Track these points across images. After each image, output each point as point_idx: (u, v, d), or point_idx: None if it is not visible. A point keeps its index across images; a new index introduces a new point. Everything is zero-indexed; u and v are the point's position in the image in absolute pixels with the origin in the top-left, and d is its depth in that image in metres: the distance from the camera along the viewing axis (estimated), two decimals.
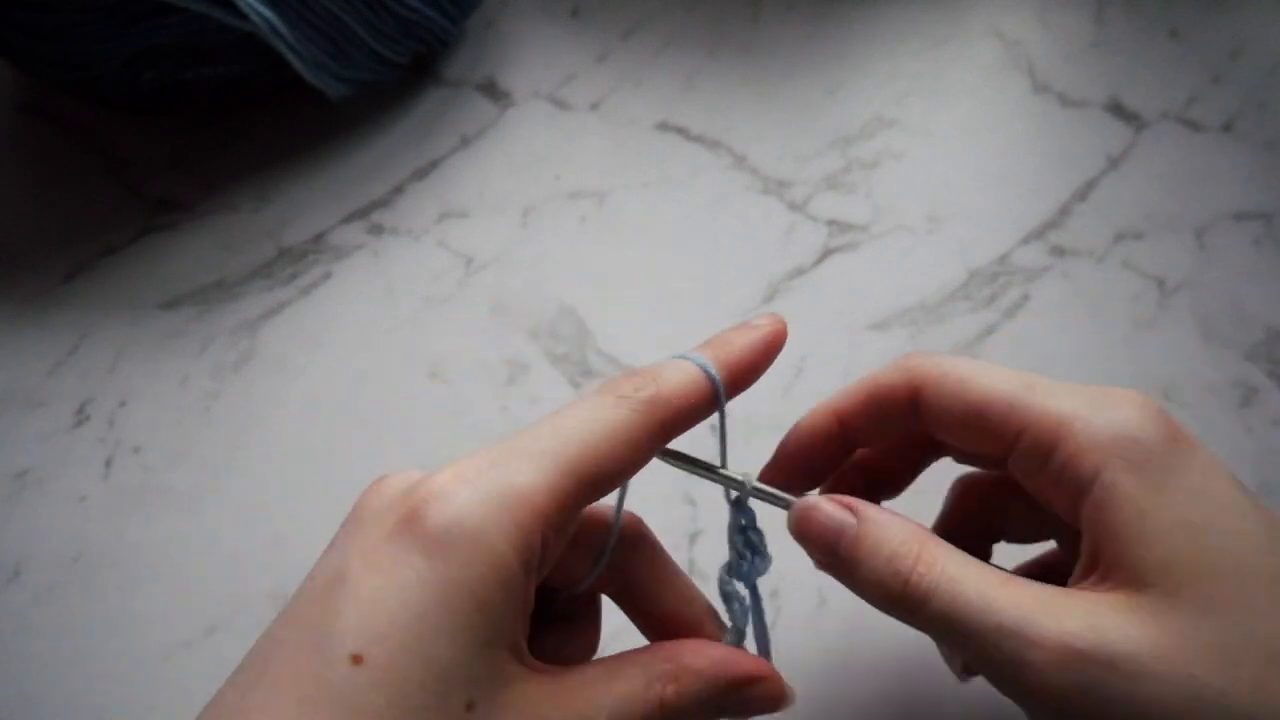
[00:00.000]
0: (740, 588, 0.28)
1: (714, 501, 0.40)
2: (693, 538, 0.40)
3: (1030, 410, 0.26)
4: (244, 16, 0.44)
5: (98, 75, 0.47)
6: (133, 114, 0.53)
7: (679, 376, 0.25)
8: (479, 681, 0.22)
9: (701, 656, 0.25)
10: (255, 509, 0.42)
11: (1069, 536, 0.28)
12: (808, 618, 0.38)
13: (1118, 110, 0.52)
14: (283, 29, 0.45)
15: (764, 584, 0.39)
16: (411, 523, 0.22)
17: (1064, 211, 0.48)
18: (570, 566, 0.27)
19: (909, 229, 0.48)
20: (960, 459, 0.31)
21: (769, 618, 0.38)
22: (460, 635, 0.21)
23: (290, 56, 0.46)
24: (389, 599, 0.21)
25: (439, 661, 0.21)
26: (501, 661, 0.22)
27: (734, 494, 0.28)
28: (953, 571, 0.24)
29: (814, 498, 0.27)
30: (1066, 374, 0.43)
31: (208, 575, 0.40)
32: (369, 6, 0.47)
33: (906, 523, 0.26)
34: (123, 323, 0.47)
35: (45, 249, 0.50)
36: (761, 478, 0.29)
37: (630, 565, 0.28)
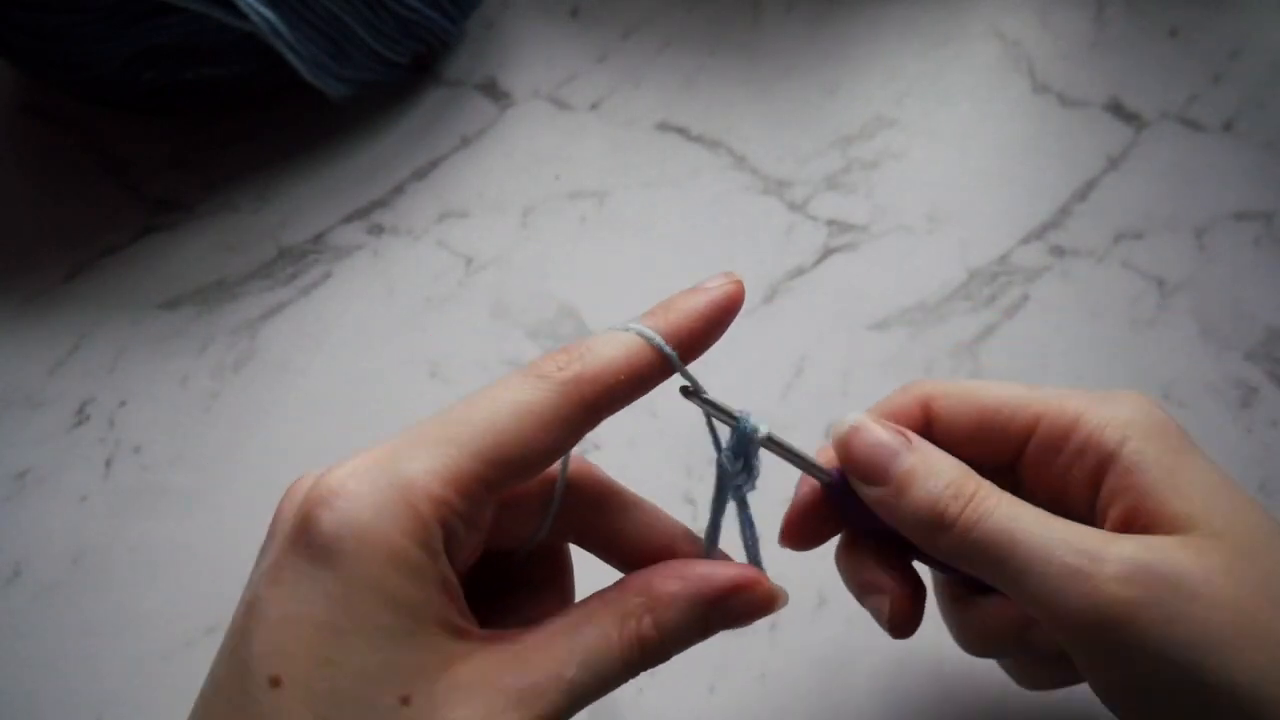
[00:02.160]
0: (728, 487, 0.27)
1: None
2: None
3: (1044, 402, 0.27)
4: (244, 16, 0.44)
5: (98, 75, 0.47)
6: (133, 114, 0.53)
7: (610, 351, 0.24)
8: (409, 673, 0.21)
9: (673, 579, 0.24)
10: (255, 509, 0.41)
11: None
12: (808, 618, 0.38)
13: (1118, 110, 0.52)
14: (283, 29, 0.45)
15: None
16: (304, 531, 0.22)
17: (1064, 211, 0.48)
18: (518, 527, 0.27)
19: (909, 229, 0.48)
20: None
21: (768, 617, 0.38)
22: (373, 635, 0.21)
23: (290, 56, 0.46)
24: (294, 616, 0.21)
25: (358, 666, 0.21)
26: (434, 646, 0.22)
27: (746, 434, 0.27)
28: (1009, 500, 0.25)
29: (864, 417, 0.27)
30: (1066, 374, 0.43)
31: (208, 575, 0.40)
32: (369, 6, 0.47)
33: (955, 459, 0.26)
34: (123, 323, 0.47)
35: (45, 249, 0.50)
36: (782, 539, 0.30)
37: (583, 510, 0.27)
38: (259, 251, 0.49)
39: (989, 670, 0.35)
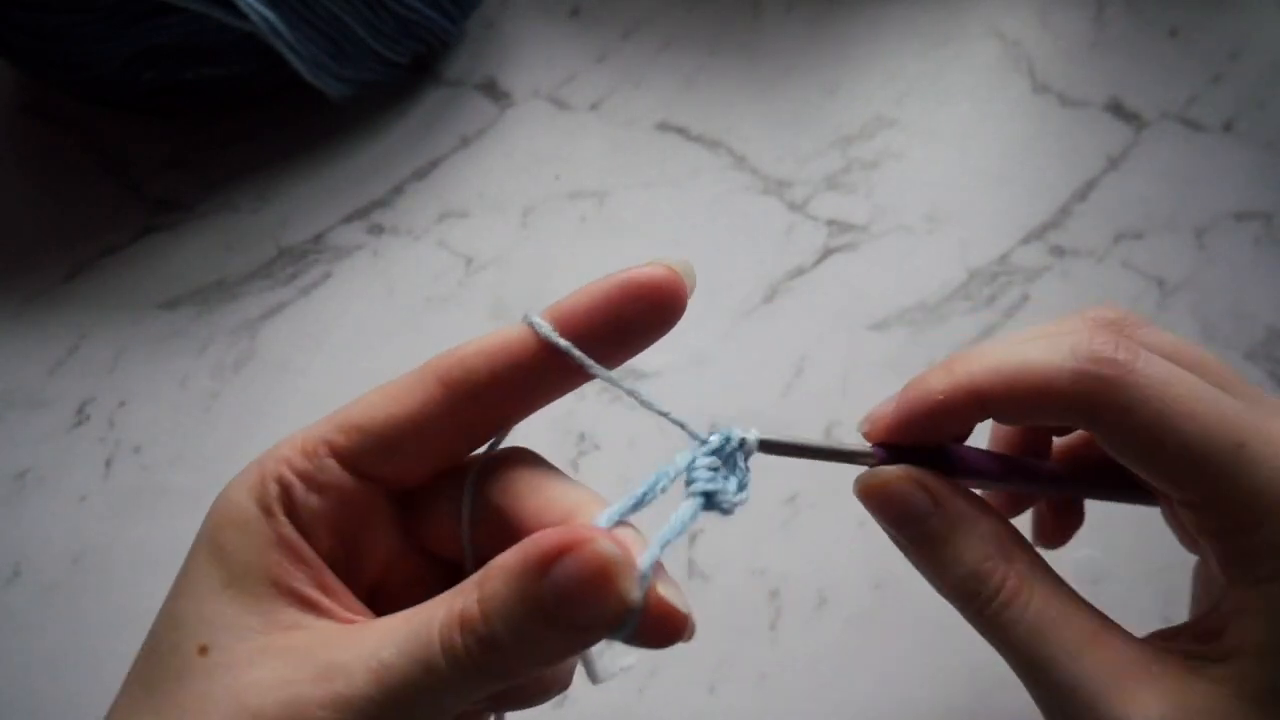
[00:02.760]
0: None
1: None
2: (693, 537, 0.40)
3: (1231, 487, 0.22)
4: (244, 16, 0.44)
5: (98, 75, 0.47)
6: (133, 114, 0.53)
7: (485, 337, 0.24)
8: (214, 626, 0.22)
9: (515, 548, 0.19)
10: None
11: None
12: (808, 618, 0.38)
13: (1118, 110, 0.51)
14: (283, 29, 0.45)
15: (764, 584, 0.39)
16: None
17: (1064, 211, 0.48)
18: (443, 526, 0.25)
19: (909, 229, 0.48)
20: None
21: (769, 617, 0.38)
22: (194, 584, 0.23)
23: (290, 56, 0.46)
24: (185, 579, 0.23)
25: (171, 611, 0.23)
26: (255, 606, 0.22)
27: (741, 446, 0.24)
28: (1040, 609, 0.23)
29: (889, 470, 0.24)
30: None
31: None
32: (369, 6, 0.47)
33: (996, 527, 0.24)
34: (123, 323, 0.47)
35: (45, 249, 0.50)
36: (870, 426, 0.25)
37: (498, 501, 0.24)
38: (259, 251, 0.49)
39: (989, 671, 0.35)
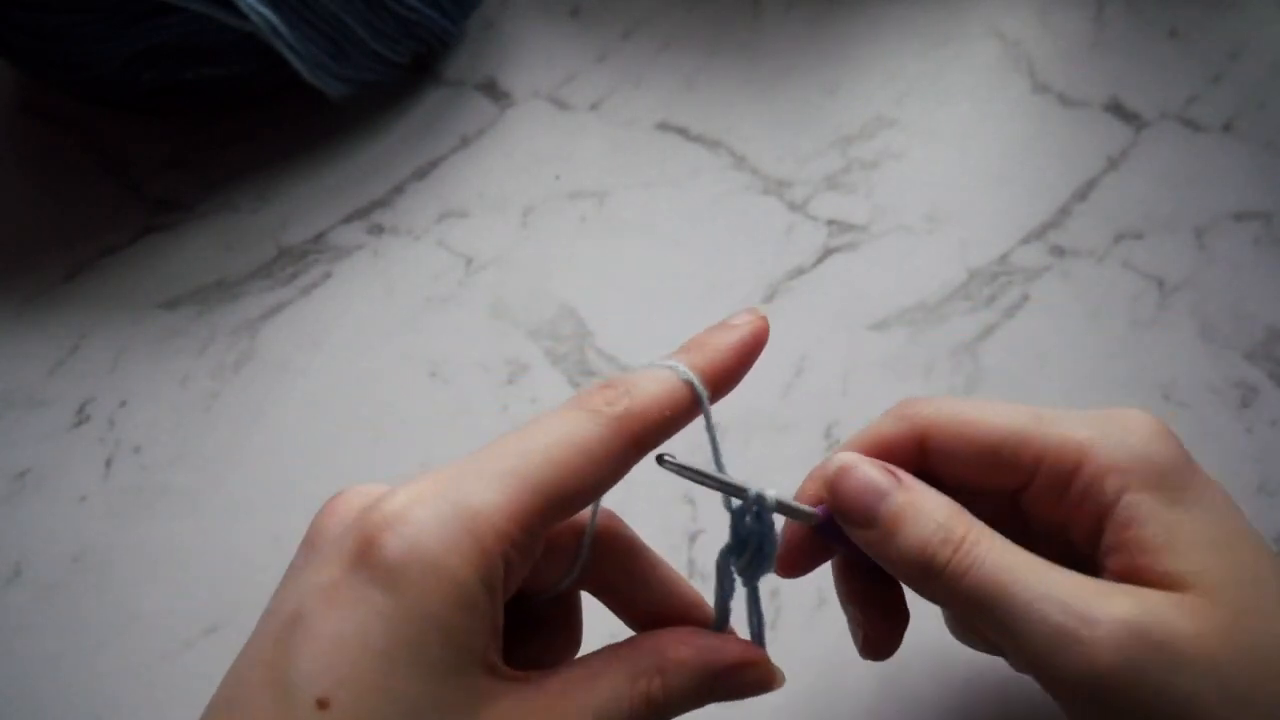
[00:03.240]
0: (734, 574, 0.27)
1: (714, 501, 0.40)
2: (693, 537, 0.40)
3: (1046, 440, 0.26)
4: (244, 16, 0.44)
5: (98, 75, 0.47)
6: (133, 114, 0.53)
7: (654, 388, 0.24)
8: (450, 709, 0.21)
9: (686, 646, 0.25)
10: (255, 509, 0.42)
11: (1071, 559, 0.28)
12: (808, 618, 0.38)
13: (1118, 110, 0.52)
14: (283, 29, 0.45)
15: (763, 584, 0.39)
16: (367, 553, 0.21)
17: (1064, 211, 0.48)
18: (545, 572, 0.26)
19: (909, 229, 0.48)
20: (966, 498, 0.30)
21: (769, 617, 0.38)
22: (426, 667, 0.21)
23: (290, 56, 0.46)
24: (350, 638, 0.21)
25: (406, 696, 0.21)
26: (473, 684, 0.22)
27: (744, 503, 0.27)
28: (1000, 547, 0.25)
29: (853, 456, 0.27)
30: (1066, 374, 0.43)
31: (208, 575, 0.40)
32: (369, 6, 0.47)
33: (947, 498, 0.26)
34: (123, 323, 0.47)
35: (45, 249, 0.50)
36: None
37: (608, 564, 0.27)
38: (259, 251, 0.49)
39: (989, 671, 0.35)
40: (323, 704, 0.20)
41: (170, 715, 0.37)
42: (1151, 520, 0.24)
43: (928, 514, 0.25)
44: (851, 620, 0.30)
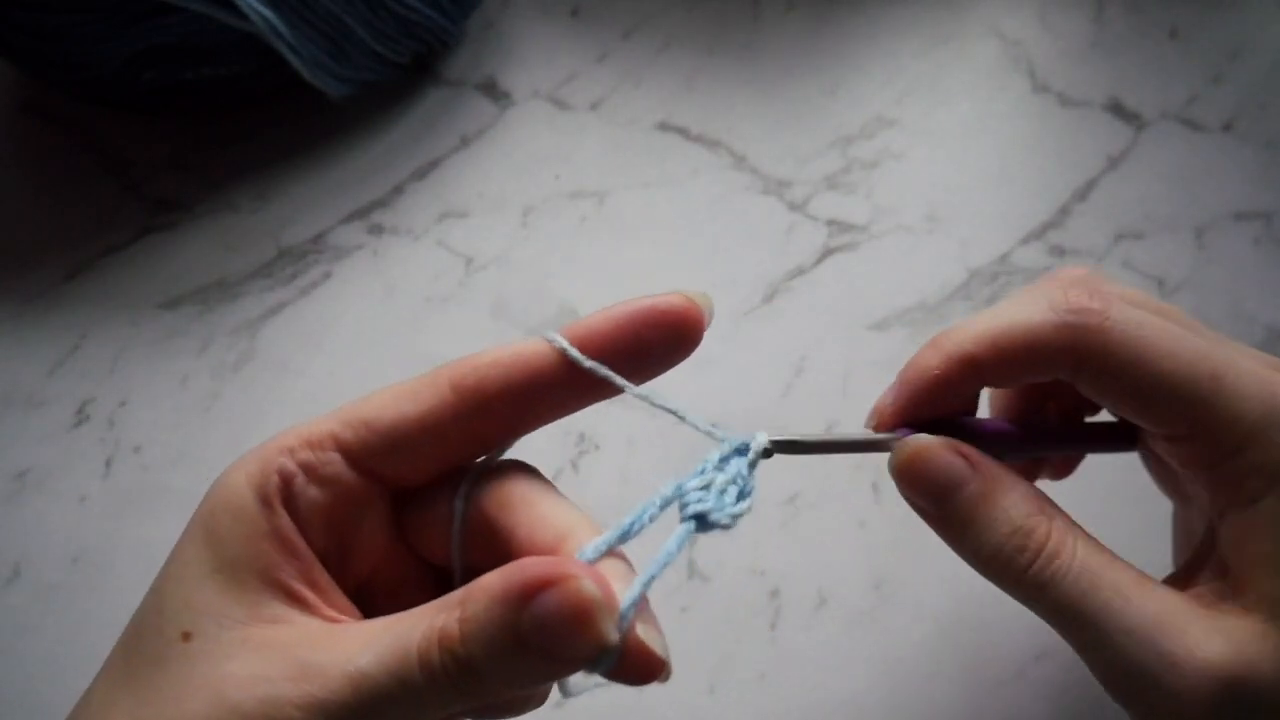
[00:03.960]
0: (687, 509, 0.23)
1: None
2: (692, 538, 0.40)
3: (1212, 416, 0.23)
4: (244, 16, 0.44)
5: (98, 75, 0.47)
6: (133, 114, 0.53)
7: (501, 348, 0.24)
8: (200, 613, 0.22)
9: (500, 572, 0.20)
10: None
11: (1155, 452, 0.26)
12: (808, 618, 0.38)
13: (1118, 110, 0.52)
14: (283, 29, 0.45)
15: (763, 584, 0.39)
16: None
17: (1064, 211, 0.48)
18: (442, 537, 0.25)
19: (909, 229, 0.48)
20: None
21: (768, 617, 0.38)
22: (183, 567, 0.22)
23: (290, 56, 0.46)
24: (175, 566, 0.23)
25: (159, 593, 0.23)
26: (242, 598, 0.22)
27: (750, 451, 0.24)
28: (1085, 559, 0.23)
29: (925, 438, 0.25)
30: None
31: None
32: (369, 6, 0.47)
33: (1030, 488, 0.24)
34: (123, 323, 0.47)
35: (45, 249, 0.50)
36: (877, 418, 0.26)
37: (491, 516, 0.24)
38: (259, 251, 0.49)
39: (989, 671, 0.35)
40: (186, 637, 0.22)
41: None
42: (1277, 536, 0.23)
43: (1004, 510, 0.24)
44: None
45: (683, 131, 0.52)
